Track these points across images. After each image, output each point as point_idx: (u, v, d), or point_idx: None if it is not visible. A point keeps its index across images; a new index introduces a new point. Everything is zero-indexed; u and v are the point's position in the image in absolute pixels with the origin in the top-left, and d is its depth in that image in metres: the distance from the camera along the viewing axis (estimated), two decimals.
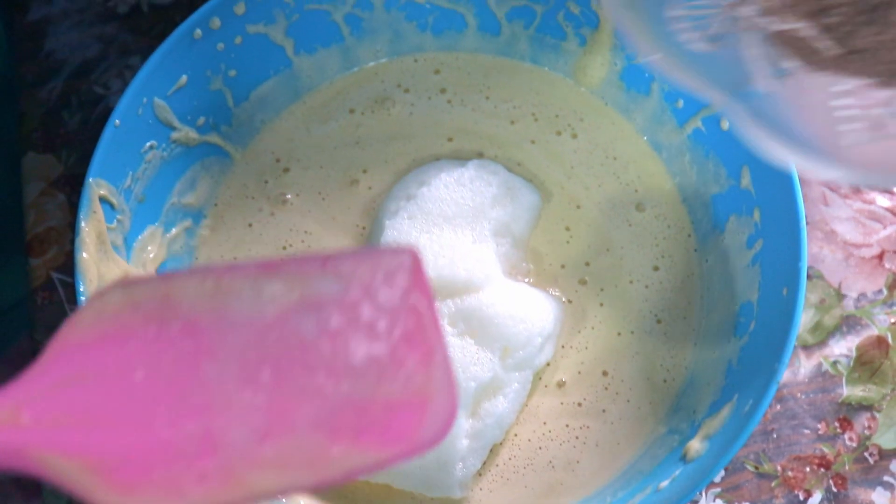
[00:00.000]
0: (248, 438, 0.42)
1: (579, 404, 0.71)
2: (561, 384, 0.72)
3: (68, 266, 0.82)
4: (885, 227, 0.81)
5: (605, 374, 0.72)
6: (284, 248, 0.77)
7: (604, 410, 0.71)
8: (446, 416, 0.44)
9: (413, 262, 0.46)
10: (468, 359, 0.67)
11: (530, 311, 0.70)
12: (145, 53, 0.88)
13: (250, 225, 0.78)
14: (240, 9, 0.74)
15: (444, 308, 0.69)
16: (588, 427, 0.70)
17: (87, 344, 0.43)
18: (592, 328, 0.73)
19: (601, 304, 0.74)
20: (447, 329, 0.68)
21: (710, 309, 0.73)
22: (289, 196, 0.79)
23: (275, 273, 0.45)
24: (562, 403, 0.71)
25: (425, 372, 0.44)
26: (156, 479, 0.41)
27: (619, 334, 0.73)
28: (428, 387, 0.44)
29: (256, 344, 0.44)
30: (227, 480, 0.41)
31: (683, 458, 0.65)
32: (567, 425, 0.71)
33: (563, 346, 0.73)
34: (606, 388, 0.72)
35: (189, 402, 0.42)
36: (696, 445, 0.64)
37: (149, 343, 0.43)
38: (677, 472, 0.64)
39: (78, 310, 0.44)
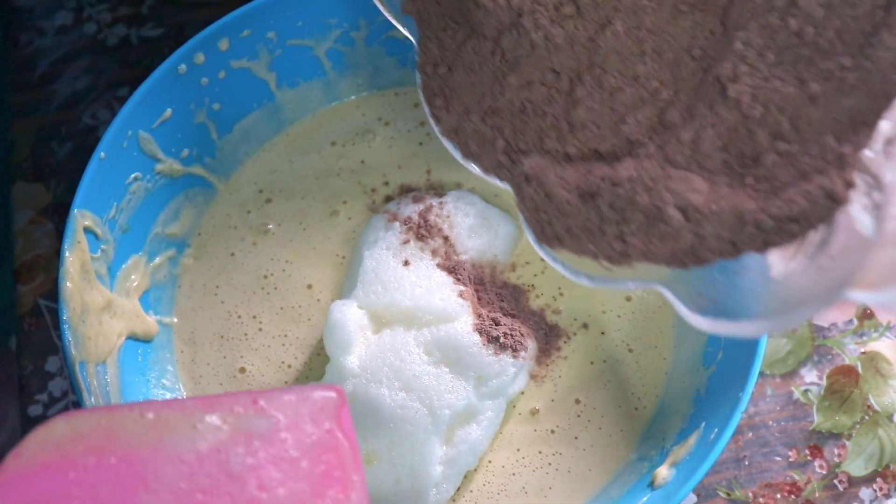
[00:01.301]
0: None
1: (552, 431, 0.72)
2: (534, 412, 0.73)
3: (55, 293, 0.83)
4: None
5: (577, 401, 0.73)
6: (266, 276, 0.78)
7: (576, 437, 0.72)
8: None
9: (339, 400, 0.51)
10: (443, 387, 0.69)
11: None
12: (134, 85, 0.89)
13: (233, 254, 0.79)
14: (224, 44, 0.76)
15: (421, 336, 0.70)
16: (561, 454, 0.72)
17: (31, 474, 0.46)
18: (566, 357, 0.75)
19: (574, 334, 0.75)
20: (423, 357, 0.69)
21: (681, 339, 0.74)
22: (270, 226, 0.80)
23: (209, 408, 0.49)
24: (535, 430, 0.73)
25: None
26: None
27: (591, 363, 0.74)
28: None
29: (189, 476, 0.47)
30: None
31: (651, 485, 0.66)
32: (540, 452, 0.72)
33: (536, 375, 0.74)
34: (579, 416, 0.73)
35: None
36: (663, 472, 0.66)
37: (89, 473, 0.46)
38: (645, 499, 0.65)
39: (22, 441, 0.47)
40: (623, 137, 0.58)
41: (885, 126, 0.49)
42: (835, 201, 0.49)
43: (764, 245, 0.51)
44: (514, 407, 0.73)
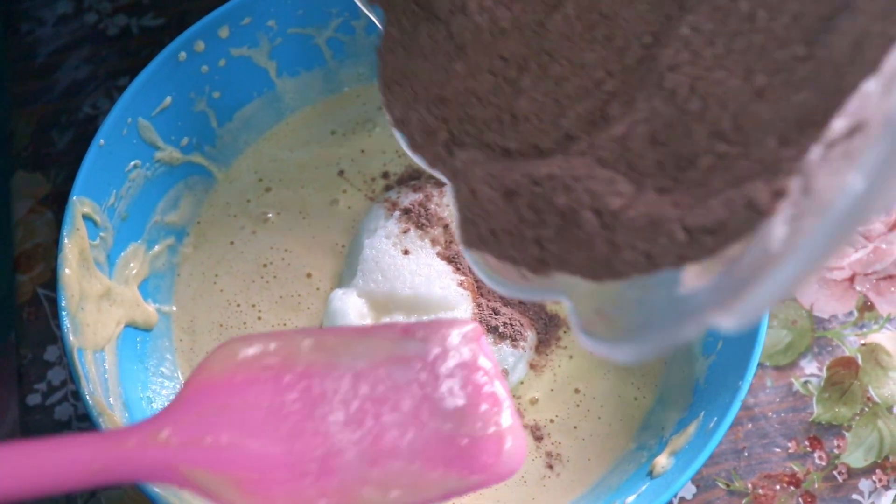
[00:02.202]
0: (359, 463, 0.50)
1: (551, 421, 0.72)
2: (534, 401, 0.73)
3: (54, 282, 0.82)
4: (856, 251, 0.82)
5: (577, 391, 0.73)
6: (265, 265, 0.78)
7: (575, 427, 0.72)
8: (518, 452, 0.52)
9: (479, 329, 0.55)
10: None
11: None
12: (135, 74, 0.88)
13: (232, 243, 0.79)
14: (224, 32, 0.76)
15: None
16: (560, 443, 0.72)
17: (218, 385, 0.52)
18: (565, 347, 0.75)
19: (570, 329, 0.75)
20: None
21: None
22: (270, 215, 0.80)
23: (365, 335, 0.55)
24: (534, 420, 0.72)
25: (497, 416, 0.52)
26: (287, 493, 0.50)
27: (591, 353, 0.74)
28: (501, 428, 0.52)
29: (358, 389, 0.52)
30: (343, 496, 0.50)
31: (650, 474, 0.66)
32: (539, 441, 0.72)
33: (536, 365, 0.74)
34: (578, 406, 0.73)
35: (310, 433, 0.51)
36: (662, 461, 0.66)
37: (271, 386, 0.52)
38: (644, 488, 0.65)
39: (208, 357, 0.53)
40: (562, 132, 0.52)
41: (834, 125, 0.42)
42: (757, 212, 0.42)
43: (678, 259, 0.44)
44: (514, 397, 0.73)
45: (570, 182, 0.48)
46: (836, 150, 0.41)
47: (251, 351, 0.53)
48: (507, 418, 0.52)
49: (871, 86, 0.42)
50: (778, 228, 0.41)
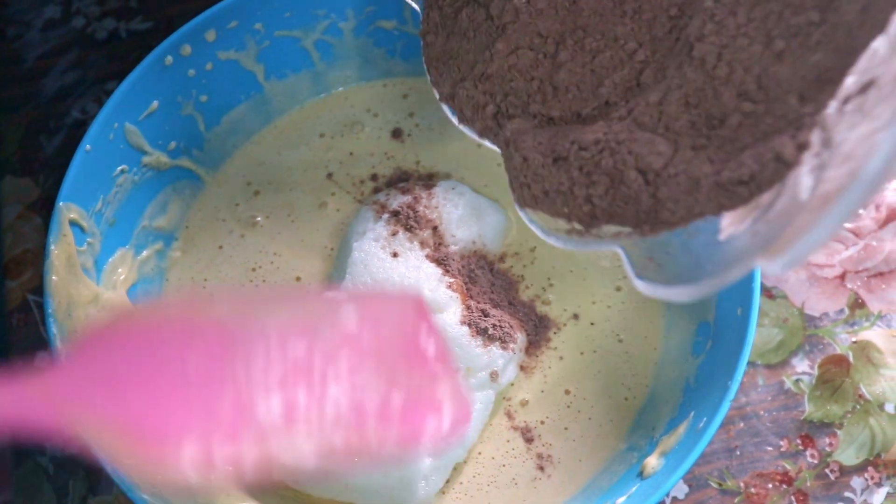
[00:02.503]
0: (277, 419, 0.49)
1: (542, 422, 0.72)
2: (524, 403, 0.73)
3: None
4: (847, 248, 0.82)
5: (567, 392, 0.73)
6: (254, 269, 0.78)
7: (566, 428, 0.72)
8: (461, 417, 0.52)
9: (417, 301, 0.55)
10: None
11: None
12: (123, 79, 0.89)
13: (221, 247, 0.79)
14: (210, 36, 0.75)
15: None
16: (551, 444, 0.71)
17: (114, 342, 0.50)
18: (555, 348, 0.75)
19: (564, 324, 0.75)
20: None
21: (670, 329, 0.74)
22: (259, 218, 0.80)
23: (304, 300, 0.54)
24: (525, 422, 0.72)
25: (440, 382, 0.52)
26: (185, 436, 0.48)
27: (581, 354, 0.74)
28: (446, 392, 0.52)
29: (284, 348, 0.51)
30: (256, 450, 0.48)
31: (640, 475, 0.66)
32: (530, 443, 0.72)
33: (526, 367, 0.74)
34: (569, 407, 0.73)
35: (219, 385, 0.49)
36: (652, 462, 0.65)
37: (175, 341, 0.51)
38: (634, 489, 0.64)
39: (104, 318, 0.54)
40: (602, 100, 0.59)
41: (849, 82, 0.48)
42: (784, 164, 0.48)
43: (718, 208, 0.51)
44: (504, 399, 0.73)
45: (615, 145, 0.55)
46: (851, 105, 0.47)
47: (159, 311, 0.53)
48: (450, 385, 0.52)
49: (879, 45, 0.47)
50: (805, 178, 0.47)
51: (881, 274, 0.81)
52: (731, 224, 0.51)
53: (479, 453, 0.71)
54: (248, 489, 0.70)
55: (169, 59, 0.74)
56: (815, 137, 0.48)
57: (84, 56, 0.92)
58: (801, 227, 0.44)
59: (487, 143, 0.64)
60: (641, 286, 0.54)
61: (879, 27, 0.47)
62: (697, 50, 0.53)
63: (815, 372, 0.78)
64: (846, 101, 0.48)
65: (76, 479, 0.76)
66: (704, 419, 0.63)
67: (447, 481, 0.70)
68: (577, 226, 0.58)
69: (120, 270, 0.74)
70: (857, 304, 0.80)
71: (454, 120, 0.66)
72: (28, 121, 0.89)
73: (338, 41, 0.81)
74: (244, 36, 0.77)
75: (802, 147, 0.48)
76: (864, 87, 0.47)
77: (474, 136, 0.65)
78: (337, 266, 0.77)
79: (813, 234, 0.43)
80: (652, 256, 0.54)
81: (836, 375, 0.78)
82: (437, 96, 0.67)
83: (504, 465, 0.71)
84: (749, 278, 0.66)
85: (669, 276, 0.52)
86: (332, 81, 0.83)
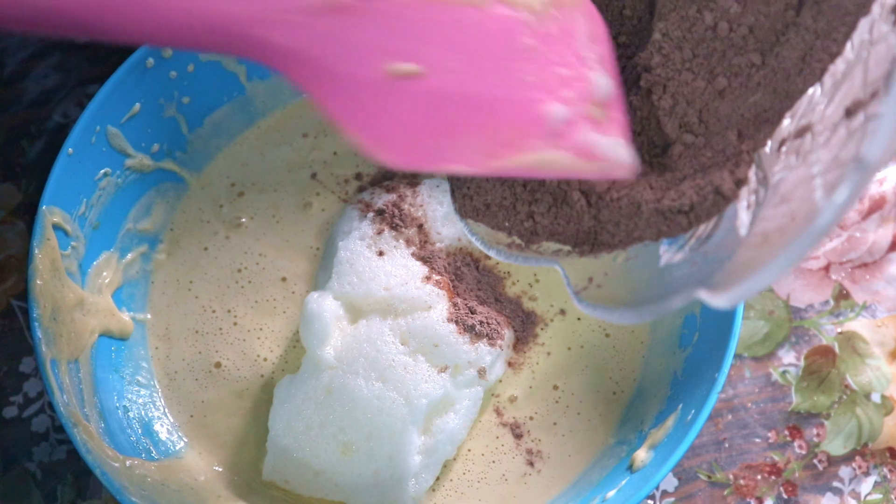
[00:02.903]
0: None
1: (531, 418, 0.72)
2: (513, 399, 0.73)
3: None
4: (830, 240, 0.82)
5: (555, 388, 0.73)
6: (239, 270, 0.78)
7: (555, 423, 0.72)
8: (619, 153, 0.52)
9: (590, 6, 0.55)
10: (420, 376, 0.68)
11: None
12: (105, 82, 0.88)
13: (206, 249, 0.79)
14: None
15: (397, 326, 0.70)
16: (540, 440, 0.72)
17: None
18: (543, 344, 0.75)
19: (552, 320, 0.75)
20: (399, 347, 0.69)
21: (657, 322, 0.74)
22: (243, 220, 0.80)
23: None
24: (514, 418, 0.72)
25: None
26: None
27: (569, 349, 0.74)
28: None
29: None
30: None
31: (630, 468, 0.66)
32: (519, 439, 0.72)
33: (514, 363, 0.74)
34: (557, 402, 0.73)
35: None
36: (641, 455, 0.66)
37: None
38: (623, 482, 0.65)
39: None
40: None
41: (786, 124, 0.51)
42: (723, 197, 0.50)
43: (657, 234, 0.53)
44: (492, 395, 0.73)
45: None
46: (787, 147, 0.49)
47: None
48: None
49: (816, 93, 0.49)
50: (742, 213, 0.49)
51: (865, 265, 0.82)
52: (669, 251, 0.53)
53: (469, 450, 0.72)
54: (238, 490, 0.70)
55: (150, 61, 0.74)
56: (752, 174, 0.50)
57: (65, 60, 0.91)
58: (744, 263, 0.46)
59: None
60: (581, 307, 0.55)
61: (816, 76, 0.50)
62: (644, 80, 0.55)
63: (802, 363, 0.78)
64: (783, 143, 0.50)
65: (64, 485, 0.76)
66: (693, 411, 0.63)
67: (437, 479, 0.70)
68: (518, 240, 0.59)
69: (105, 274, 0.73)
70: (842, 294, 0.81)
71: None
72: (9, 126, 0.89)
73: None
74: None
75: (740, 182, 0.50)
76: (801, 132, 0.49)
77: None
78: (323, 266, 0.77)
79: (759, 275, 0.43)
80: (592, 276, 0.55)
81: (822, 366, 0.78)
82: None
83: (494, 462, 0.71)
84: None
85: (609, 299, 0.53)
86: None
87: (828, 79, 0.49)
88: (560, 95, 0.51)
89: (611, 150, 0.52)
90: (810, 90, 0.50)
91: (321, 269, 0.77)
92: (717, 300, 0.45)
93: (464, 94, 0.48)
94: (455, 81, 0.48)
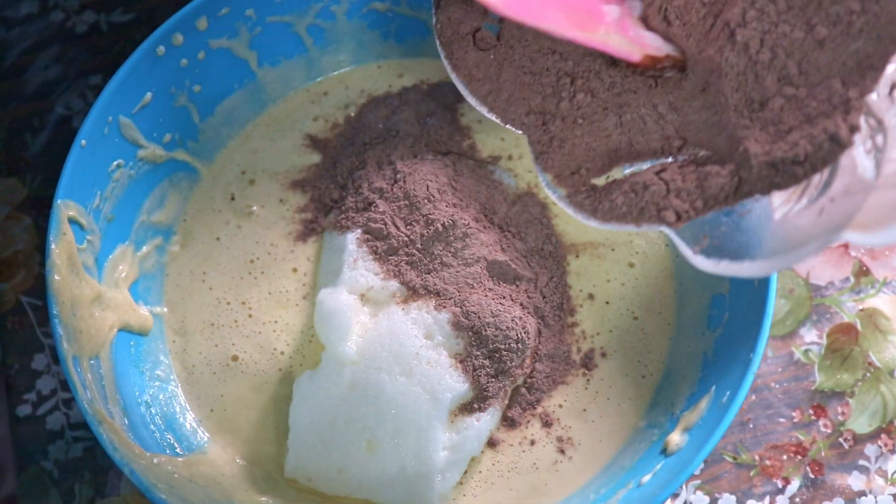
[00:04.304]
0: None
1: (560, 406, 0.71)
2: None
3: (37, 289, 0.81)
4: None
5: (584, 374, 0.72)
6: (252, 260, 0.77)
7: (584, 410, 0.71)
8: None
9: None
10: (444, 370, 0.67)
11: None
12: (107, 72, 0.87)
13: (218, 238, 0.78)
14: (202, 24, 0.74)
15: (421, 319, 0.69)
16: (570, 427, 0.71)
17: None
18: (572, 329, 0.74)
19: (580, 305, 0.74)
20: (423, 341, 0.68)
21: (683, 303, 0.74)
22: (254, 208, 0.78)
23: None
24: (543, 407, 0.71)
25: None
26: None
27: (598, 334, 0.73)
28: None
29: None
30: None
31: (664, 452, 0.65)
32: (549, 427, 0.71)
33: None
34: (587, 388, 0.72)
35: None
36: (675, 438, 0.65)
37: None
38: (658, 466, 0.64)
39: None
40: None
41: (891, 70, 0.50)
42: (839, 145, 0.49)
43: (769, 187, 0.52)
44: (520, 387, 0.72)
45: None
46: None
47: None
48: None
49: None
50: (863, 159, 0.49)
51: None
52: (783, 202, 0.52)
53: (499, 441, 0.70)
54: (262, 485, 0.69)
55: (161, 49, 0.72)
56: (863, 122, 0.50)
57: (65, 51, 0.90)
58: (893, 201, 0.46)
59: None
60: (702, 262, 0.54)
61: None
62: (741, 35, 0.54)
63: (824, 341, 0.78)
64: (893, 87, 0.50)
65: (82, 482, 0.75)
66: (728, 393, 0.63)
67: (466, 472, 0.69)
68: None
69: (121, 267, 0.72)
70: (862, 271, 0.80)
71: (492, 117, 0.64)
72: (11, 119, 0.87)
73: (331, 25, 0.80)
74: (236, 23, 0.76)
75: (854, 129, 0.49)
76: None
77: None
78: (327, 259, 0.75)
79: None
80: (706, 235, 0.54)
81: (844, 344, 0.78)
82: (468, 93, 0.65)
83: (524, 451, 0.70)
84: None
85: (730, 253, 0.53)
86: (326, 66, 0.82)
87: None
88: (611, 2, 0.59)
89: (653, 40, 0.58)
90: None
91: (324, 264, 0.76)
92: (874, 239, 0.45)
93: None
94: None
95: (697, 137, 0.56)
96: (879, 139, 0.49)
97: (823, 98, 0.51)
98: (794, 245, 0.50)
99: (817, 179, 0.51)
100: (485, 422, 0.68)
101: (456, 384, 0.67)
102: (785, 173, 0.51)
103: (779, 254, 0.50)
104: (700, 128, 0.56)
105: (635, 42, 0.58)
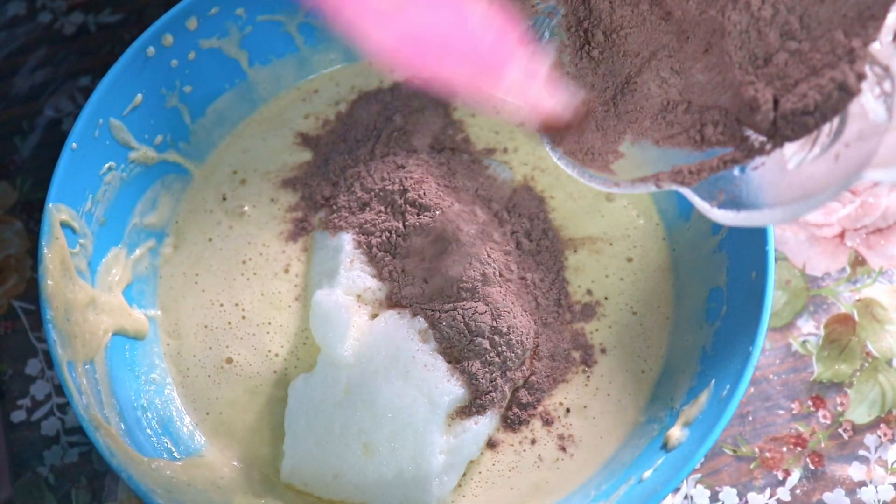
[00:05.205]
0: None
1: (560, 403, 0.71)
2: None
3: (29, 293, 0.80)
4: (844, 206, 0.82)
5: (584, 371, 0.72)
6: (244, 261, 0.76)
7: (585, 406, 0.71)
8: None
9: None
10: (441, 373, 0.67)
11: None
12: (96, 74, 0.86)
13: (210, 239, 0.77)
14: (192, 24, 0.73)
15: (416, 323, 0.69)
16: (571, 424, 0.70)
17: None
18: (571, 326, 0.73)
19: (579, 301, 0.74)
20: (420, 345, 0.68)
21: (681, 296, 0.73)
22: (246, 208, 0.78)
23: None
24: (544, 405, 0.71)
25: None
26: None
27: (597, 330, 0.73)
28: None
29: None
30: None
31: (664, 447, 0.65)
32: (550, 425, 0.70)
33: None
34: (587, 385, 0.72)
35: None
36: (676, 433, 0.65)
37: None
38: (659, 461, 0.64)
39: None
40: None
41: (892, 18, 0.51)
42: (848, 93, 0.51)
43: (781, 139, 0.53)
44: (518, 388, 0.71)
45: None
46: None
47: None
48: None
49: None
50: (873, 104, 0.50)
51: (880, 230, 0.81)
52: (795, 153, 0.53)
53: (498, 441, 0.70)
54: (258, 487, 0.69)
55: (151, 49, 0.72)
56: (868, 70, 0.51)
57: (53, 53, 0.89)
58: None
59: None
60: (721, 215, 0.55)
61: None
62: None
63: (822, 332, 0.78)
64: None
65: (78, 488, 0.74)
66: (728, 386, 0.62)
67: (465, 473, 0.69)
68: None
69: (114, 271, 0.72)
70: (858, 261, 0.80)
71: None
72: (0, 123, 0.86)
73: (321, 23, 0.79)
74: (226, 22, 0.75)
75: (861, 77, 0.51)
76: None
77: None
78: (318, 261, 0.75)
79: None
80: (721, 189, 0.55)
81: (842, 335, 0.78)
82: None
83: (525, 451, 0.70)
84: (762, 241, 0.65)
85: (749, 204, 0.54)
86: (317, 64, 0.81)
87: None
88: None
89: (552, 99, 0.60)
90: None
91: (315, 266, 0.75)
92: (887, 174, 0.47)
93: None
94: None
95: (703, 99, 0.57)
96: (887, 85, 0.50)
97: (827, 50, 0.52)
98: (813, 191, 0.51)
99: (827, 128, 0.52)
100: (483, 425, 0.68)
101: (453, 388, 0.67)
102: (796, 124, 0.52)
103: (798, 199, 0.52)
104: (705, 89, 0.57)
105: (534, 109, 0.61)
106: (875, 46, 0.51)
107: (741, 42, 0.55)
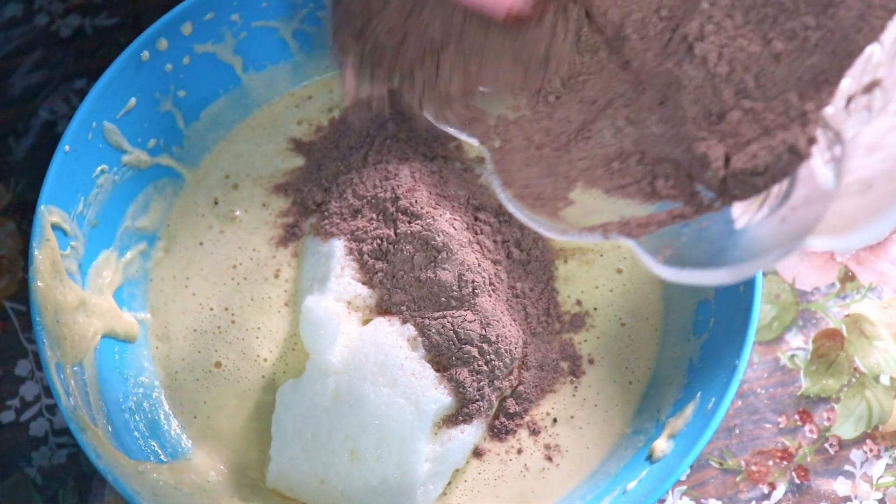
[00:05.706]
0: None
1: (548, 413, 0.71)
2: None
3: (21, 294, 0.80)
4: None
5: (572, 381, 0.72)
6: (234, 266, 0.76)
7: (572, 417, 0.71)
8: None
9: None
10: (428, 382, 0.67)
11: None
12: (91, 76, 0.87)
13: (201, 243, 0.77)
14: (187, 29, 0.74)
15: (405, 331, 0.69)
16: (558, 434, 0.71)
17: None
18: (559, 336, 0.74)
19: (569, 312, 0.74)
20: (408, 352, 0.68)
21: (669, 309, 0.74)
22: (237, 213, 0.78)
23: None
24: (531, 414, 0.71)
25: None
26: None
27: (585, 340, 0.73)
28: None
29: None
30: None
31: (649, 459, 0.65)
32: (537, 435, 0.71)
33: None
34: (574, 395, 0.72)
35: None
36: (661, 445, 0.65)
37: None
38: (644, 473, 0.64)
39: None
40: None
41: (846, 83, 0.51)
42: (798, 156, 0.50)
43: (730, 198, 0.52)
44: (506, 397, 0.72)
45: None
46: (855, 104, 0.50)
47: None
48: None
49: (874, 50, 0.50)
50: (821, 169, 0.50)
51: (870, 246, 0.81)
52: (744, 212, 0.53)
53: (485, 450, 0.70)
54: (245, 492, 0.69)
55: (145, 54, 0.72)
56: (820, 134, 0.51)
57: (49, 55, 0.89)
58: (858, 208, 0.47)
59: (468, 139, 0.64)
60: (665, 272, 0.54)
61: (875, 33, 0.50)
62: (699, 49, 0.55)
63: (810, 347, 0.78)
64: (850, 100, 0.50)
65: (66, 489, 0.74)
66: (713, 399, 0.63)
67: (451, 482, 0.69)
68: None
69: (105, 273, 0.72)
70: (848, 276, 0.80)
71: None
72: None
73: (316, 30, 0.79)
74: (221, 28, 0.76)
75: (811, 140, 0.50)
76: (868, 88, 0.50)
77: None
78: (309, 266, 0.75)
79: (888, 215, 0.45)
80: (668, 245, 0.55)
81: (830, 349, 0.78)
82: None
83: (511, 460, 0.70)
84: None
85: (693, 262, 0.53)
86: (311, 70, 0.82)
87: (888, 34, 0.49)
88: None
89: None
90: (868, 48, 0.50)
91: (306, 270, 0.75)
92: (841, 243, 0.46)
93: None
94: None
95: (656, 151, 0.56)
96: (837, 150, 0.50)
97: (781, 111, 0.52)
98: (758, 253, 0.50)
99: (777, 190, 0.51)
100: (469, 434, 0.68)
101: (440, 396, 0.67)
102: (745, 184, 0.52)
103: (742, 261, 0.51)
104: (659, 141, 0.56)
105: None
106: (828, 111, 0.51)
107: (696, 97, 0.55)
